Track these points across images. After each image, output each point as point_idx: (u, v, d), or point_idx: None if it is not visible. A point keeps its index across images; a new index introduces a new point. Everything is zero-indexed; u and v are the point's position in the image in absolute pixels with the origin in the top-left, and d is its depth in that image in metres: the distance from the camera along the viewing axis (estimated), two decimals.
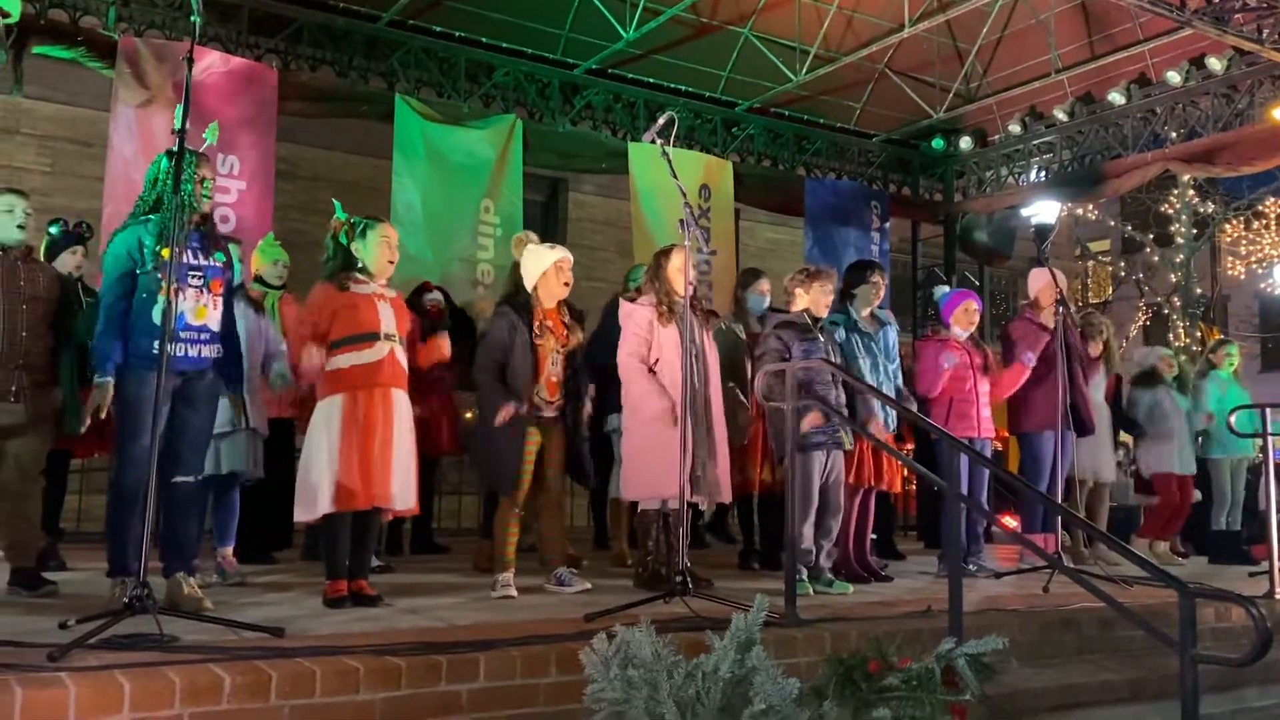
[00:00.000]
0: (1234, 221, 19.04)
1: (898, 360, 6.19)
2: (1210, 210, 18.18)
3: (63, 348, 4.85)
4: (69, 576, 5.17)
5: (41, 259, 5.23)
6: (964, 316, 6.38)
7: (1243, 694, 4.54)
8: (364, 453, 4.41)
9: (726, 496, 5.36)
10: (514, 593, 4.83)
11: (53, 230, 5.73)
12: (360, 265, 4.62)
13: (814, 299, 5.66)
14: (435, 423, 6.65)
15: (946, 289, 6.78)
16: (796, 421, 4.61)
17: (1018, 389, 6.61)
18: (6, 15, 4.98)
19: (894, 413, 5.87)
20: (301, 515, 4.55)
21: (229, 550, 5.42)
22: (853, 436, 5.59)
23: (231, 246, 4.65)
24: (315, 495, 4.40)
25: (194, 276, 4.16)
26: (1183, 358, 8.31)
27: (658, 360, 5.14)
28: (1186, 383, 8.17)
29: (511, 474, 5.00)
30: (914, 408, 5.94)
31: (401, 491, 4.55)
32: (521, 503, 5.12)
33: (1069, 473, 6.57)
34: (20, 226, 4.70)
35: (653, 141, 4.71)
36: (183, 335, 4.12)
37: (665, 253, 5.33)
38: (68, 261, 5.52)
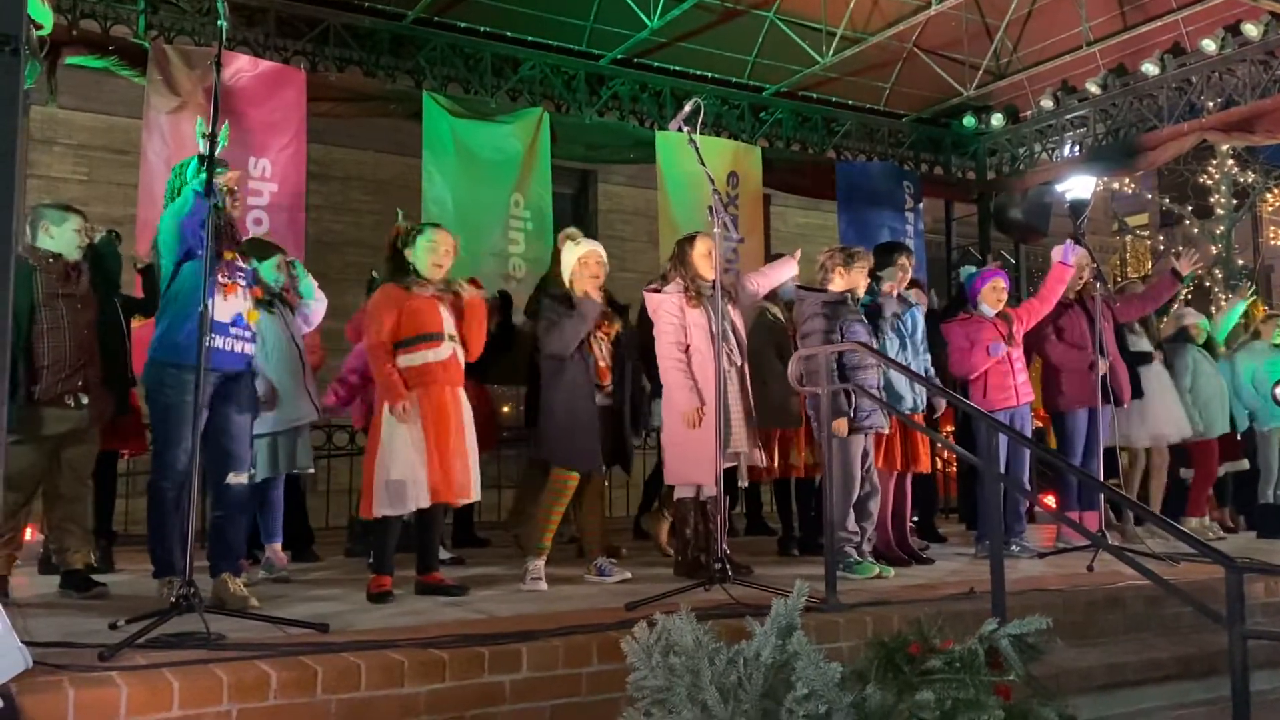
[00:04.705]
0: (1276, 190, 18.69)
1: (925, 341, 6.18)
2: (1250, 180, 17.85)
3: (109, 349, 4.98)
4: (116, 578, 5.26)
5: None
6: (992, 294, 6.34)
7: None
8: (443, 448, 4.55)
9: (760, 460, 5.33)
10: (544, 585, 4.86)
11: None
12: (412, 269, 4.76)
13: (853, 279, 5.63)
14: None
15: (973, 269, 6.73)
16: (832, 405, 4.59)
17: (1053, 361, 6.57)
18: (39, 27, 5.05)
19: (925, 392, 5.88)
20: (382, 511, 4.57)
21: (278, 545, 5.50)
22: (889, 420, 5.55)
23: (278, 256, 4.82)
24: (400, 492, 4.50)
25: (240, 275, 4.27)
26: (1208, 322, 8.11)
27: (689, 347, 5.14)
28: (1214, 350, 8.02)
29: (586, 449, 5.05)
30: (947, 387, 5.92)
31: (473, 482, 4.73)
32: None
33: (1108, 446, 6.50)
34: (80, 246, 4.84)
35: (680, 129, 4.70)
36: (232, 331, 4.21)
37: (689, 239, 5.32)
38: None
